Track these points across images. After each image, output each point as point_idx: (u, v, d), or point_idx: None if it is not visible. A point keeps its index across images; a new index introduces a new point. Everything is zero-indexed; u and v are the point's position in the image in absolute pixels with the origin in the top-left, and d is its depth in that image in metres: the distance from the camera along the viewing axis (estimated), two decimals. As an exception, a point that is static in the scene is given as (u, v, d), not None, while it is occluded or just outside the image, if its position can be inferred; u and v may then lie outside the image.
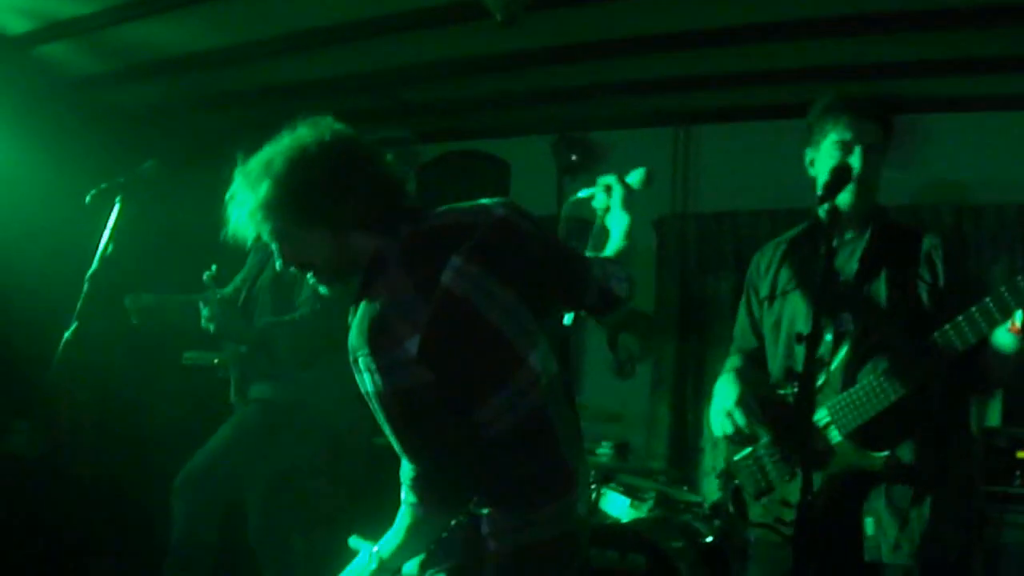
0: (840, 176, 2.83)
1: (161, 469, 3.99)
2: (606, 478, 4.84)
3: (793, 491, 2.97)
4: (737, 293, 5.86)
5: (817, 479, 2.84)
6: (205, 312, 3.65)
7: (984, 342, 2.68)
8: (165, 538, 3.82)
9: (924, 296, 2.95)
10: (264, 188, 2.20)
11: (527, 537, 2.22)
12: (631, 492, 4.79)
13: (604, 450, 5.10)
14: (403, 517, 2.32)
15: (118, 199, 3.26)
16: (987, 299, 2.62)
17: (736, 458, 3.18)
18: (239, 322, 3.76)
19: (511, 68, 5.38)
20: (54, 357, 3.19)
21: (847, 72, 5.09)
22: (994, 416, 5.10)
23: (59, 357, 3.19)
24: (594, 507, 4.71)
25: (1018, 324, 2.59)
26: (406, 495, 2.32)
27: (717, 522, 4.70)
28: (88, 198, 3.23)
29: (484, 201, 2.33)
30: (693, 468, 5.95)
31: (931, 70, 5.02)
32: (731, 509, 3.24)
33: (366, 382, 2.22)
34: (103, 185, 3.26)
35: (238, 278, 4.16)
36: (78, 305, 3.19)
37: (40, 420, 5.21)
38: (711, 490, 5.40)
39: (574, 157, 6.21)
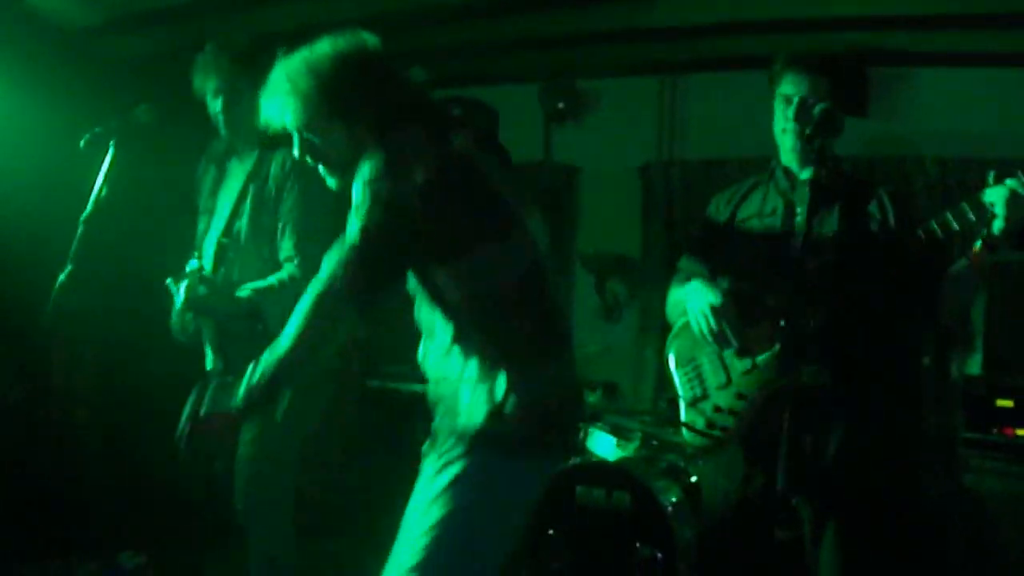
0: (831, 118, 2.97)
1: (162, 411, 3.99)
2: (593, 418, 4.92)
3: (726, 397, 3.18)
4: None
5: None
6: (183, 292, 3.48)
7: (942, 278, 2.84)
8: (163, 483, 3.79)
9: (874, 229, 3.09)
10: (297, 82, 2.51)
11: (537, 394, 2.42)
12: (618, 432, 4.87)
13: (592, 391, 5.16)
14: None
15: (112, 143, 3.28)
16: (945, 212, 2.74)
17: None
18: (223, 297, 3.50)
19: (498, 15, 5.39)
20: (48, 300, 3.22)
21: (832, 24, 5.12)
22: (974, 365, 5.18)
23: (53, 299, 3.21)
24: (581, 446, 4.80)
25: (976, 251, 2.71)
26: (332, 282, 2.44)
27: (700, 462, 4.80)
28: (82, 142, 3.25)
29: None
30: (678, 409, 6.03)
31: (918, 23, 5.03)
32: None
33: (366, 198, 2.37)
34: (97, 129, 3.28)
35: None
36: (72, 247, 3.23)
37: (18, 364, 5.19)
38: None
39: (561, 104, 6.24)
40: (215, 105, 3.69)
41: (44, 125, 4.63)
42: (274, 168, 3.63)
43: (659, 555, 4.20)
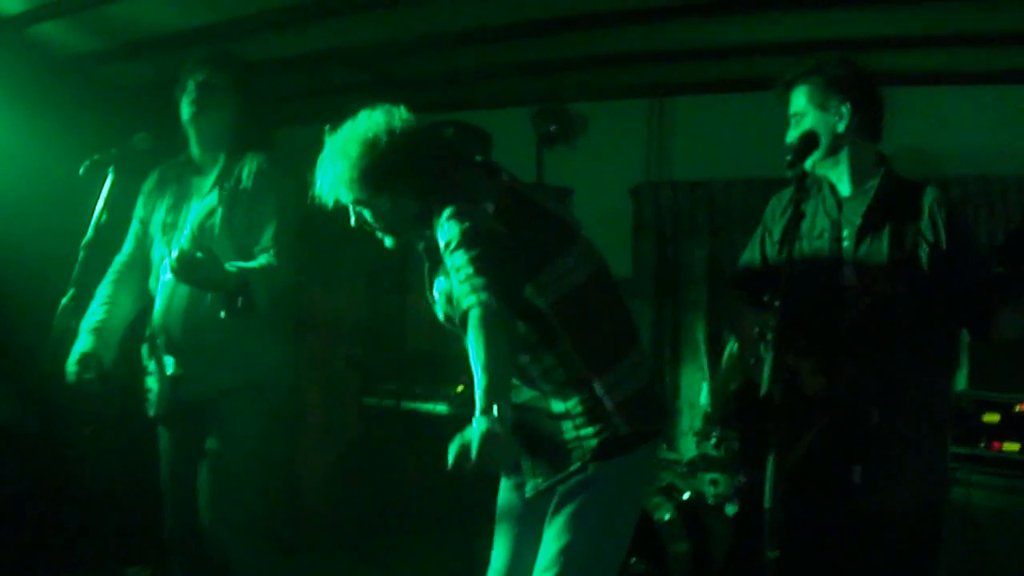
0: (807, 141, 3.00)
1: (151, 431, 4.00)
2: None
3: None
4: (711, 260, 6.06)
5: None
6: (183, 244, 3.36)
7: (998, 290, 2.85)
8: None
9: (923, 256, 3.05)
10: (340, 167, 2.70)
11: (629, 390, 2.68)
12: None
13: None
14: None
15: (111, 169, 3.35)
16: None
17: None
18: (216, 265, 3.26)
19: (490, 42, 5.46)
20: (52, 324, 3.27)
21: (820, 45, 5.18)
22: (960, 380, 5.23)
23: (57, 323, 3.27)
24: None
25: None
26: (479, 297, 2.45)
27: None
28: (82, 169, 3.31)
29: None
30: (671, 427, 6.09)
31: (906, 44, 5.09)
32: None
33: (451, 231, 2.54)
34: (96, 156, 3.35)
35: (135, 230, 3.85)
36: (74, 272, 3.29)
37: (25, 385, 5.20)
38: (688, 450, 5.55)
39: (552, 128, 6.30)
40: (187, 112, 3.67)
41: (45, 152, 4.65)
42: (247, 170, 3.62)
43: (654, 571, 4.26)
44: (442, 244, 2.55)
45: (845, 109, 3.15)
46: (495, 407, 2.26)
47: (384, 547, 5.79)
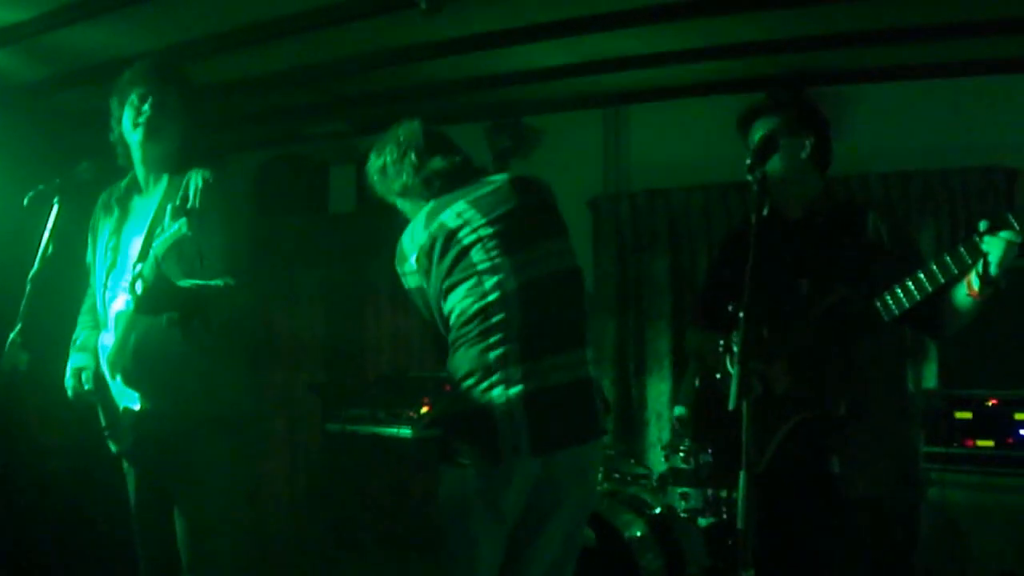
0: (767, 145, 3.02)
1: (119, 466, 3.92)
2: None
3: None
4: (672, 269, 6.05)
5: None
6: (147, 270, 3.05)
7: (942, 293, 2.97)
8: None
9: (871, 266, 3.20)
10: (368, 174, 3.37)
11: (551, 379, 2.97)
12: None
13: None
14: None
15: (56, 200, 3.26)
16: (932, 264, 2.92)
17: None
18: (169, 288, 3.08)
19: (436, 57, 5.43)
20: (-1, 360, 3.20)
21: (770, 46, 5.19)
22: (930, 378, 5.24)
23: (5, 359, 3.18)
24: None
25: (975, 288, 2.86)
26: None
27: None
28: (26, 200, 3.22)
29: None
30: (638, 441, 6.06)
31: (853, 41, 5.10)
32: None
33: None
34: (40, 187, 3.26)
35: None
36: (22, 306, 3.19)
37: None
38: (657, 461, 5.51)
39: (507, 142, 6.28)
40: (137, 134, 3.44)
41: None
42: (192, 187, 3.46)
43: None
44: None
45: (808, 142, 3.33)
46: None
47: (350, 573, 5.73)
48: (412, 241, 3.16)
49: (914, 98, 5.62)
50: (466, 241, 3.05)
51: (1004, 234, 2.74)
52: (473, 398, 2.94)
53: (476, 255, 3.03)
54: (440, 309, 3.10)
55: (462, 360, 3.00)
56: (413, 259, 3.14)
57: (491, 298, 2.98)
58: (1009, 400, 4.50)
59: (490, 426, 2.91)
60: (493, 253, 3.03)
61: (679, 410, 5.18)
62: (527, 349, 2.98)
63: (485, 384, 2.93)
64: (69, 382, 3.51)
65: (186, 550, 3.43)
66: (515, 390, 2.91)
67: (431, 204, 3.18)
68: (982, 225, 2.78)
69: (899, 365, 3.45)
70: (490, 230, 3.05)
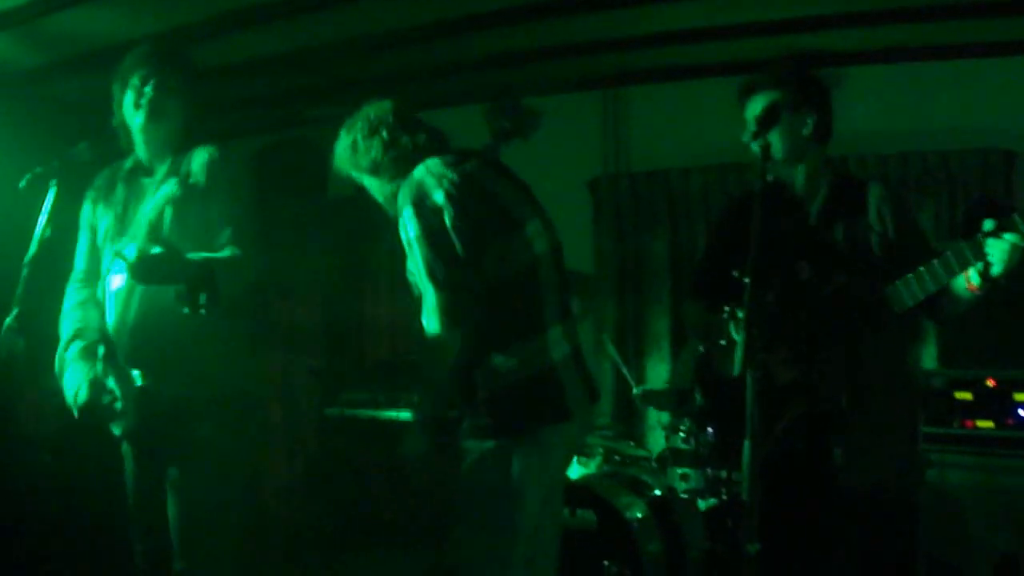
0: (769, 115, 3.03)
1: (113, 453, 3.90)
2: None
3: None
4: (672, 249, 6.04)
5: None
6: (134, 252, 2.96)
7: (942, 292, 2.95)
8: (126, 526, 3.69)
9: (874, 247, 3.18)
10: (336, 152, 3.26)
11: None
12: (579, 449, 4.85)
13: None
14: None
15: (53, 182, 3.22)
16: (948, 253, 2.86)
17: None
18: (176, 258, 2.98)
19: (436, 38, 5.42)
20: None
21: (769, 28, 5.17)
22: (929, 359, 5.24)
23: (0, 344, 3.16)
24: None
25: (975, 284, 2.84)
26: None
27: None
28: (23, 183, 3.19)
29: None
30: (638, 423, 6.05)
31: (853, 22, 5.10)
32: None
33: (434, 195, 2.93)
34: (37, 170, 3.22)
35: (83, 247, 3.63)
36: (18, 291, 3.16)
37: None
38: (657, 443, 5.50)
39: (507, 123, 6.25)
40: (138, 117, 3.43)
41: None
42: (197, 162, 3.44)
43: (627, 572, 4.19)
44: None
45: (810, 120, 3.28)
46: None
47: (350, 559, 5.74)
48: (435, 176, 3.00)
49: (913, 80, 5.61)
50: (499, 190, 3.08)
51: (1009, 237, 2.69)
52: (534, 360, 2.93)
53: (516, 211, 3.05)
54: (470, 255, 2.90)
55: (510, 321, 2.95)
56: (441, 194, 2.95)
57: (538, 255, 3.00)
58: (1009, 380, 4.47)
59: (557, 384, 2.94)
60: (526, 210, 3.09)
61: (637, 390, 5.23)
62: (560, 312, 3.02)
63: (543, 345, 2.93)
64: (84, 396, 3.32)
65: (180, 535, 3.40)
66: (566, 349, 2.98)
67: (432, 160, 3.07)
68: (987, 225, 2.72)
69: (902, 353, 3.40)
70: (511, 189, 3.13)
